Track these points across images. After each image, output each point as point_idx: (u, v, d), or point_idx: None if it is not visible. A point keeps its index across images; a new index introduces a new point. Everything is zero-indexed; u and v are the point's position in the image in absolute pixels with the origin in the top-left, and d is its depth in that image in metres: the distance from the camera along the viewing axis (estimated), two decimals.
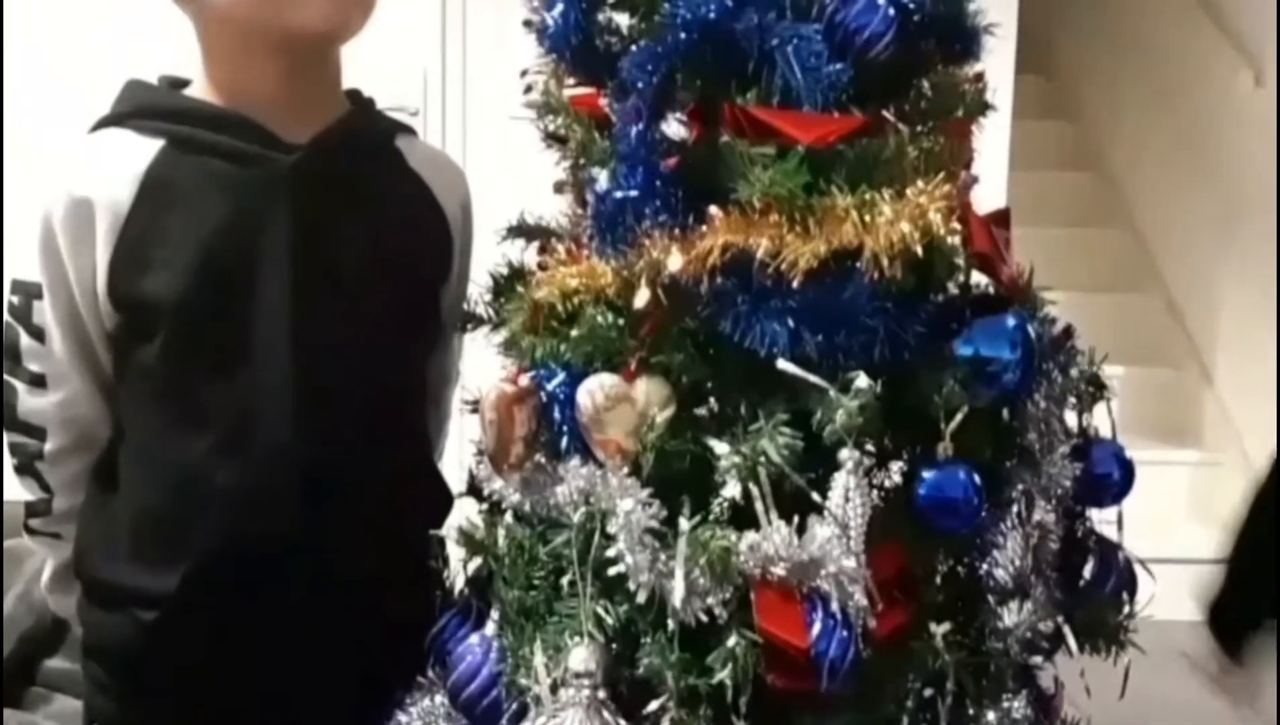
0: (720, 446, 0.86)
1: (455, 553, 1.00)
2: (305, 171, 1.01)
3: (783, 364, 0.84)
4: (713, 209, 0.86)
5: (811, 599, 0.82)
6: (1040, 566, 0.93)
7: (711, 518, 0.84)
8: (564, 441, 0.91)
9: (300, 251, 1.01)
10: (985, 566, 0.91)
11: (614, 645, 0.87)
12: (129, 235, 0.98)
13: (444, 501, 1.14)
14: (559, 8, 0.95)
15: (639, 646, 0.85)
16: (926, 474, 0.86)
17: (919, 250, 0.82)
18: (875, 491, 0.86)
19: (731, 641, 0.82)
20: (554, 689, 0.86)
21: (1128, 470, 0.99)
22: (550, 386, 0.92)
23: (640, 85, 0.89)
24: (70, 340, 1.03)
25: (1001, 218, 0.98)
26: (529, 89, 1.06)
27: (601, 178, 0.94)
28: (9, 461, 1.09)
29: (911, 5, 0.88)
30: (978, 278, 0.95)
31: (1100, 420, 1.03)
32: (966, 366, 0.87)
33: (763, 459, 0.83)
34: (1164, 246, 3.94)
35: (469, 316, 1.11)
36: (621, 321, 0.92)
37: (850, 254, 0.83)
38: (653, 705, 0.84)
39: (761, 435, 0.84)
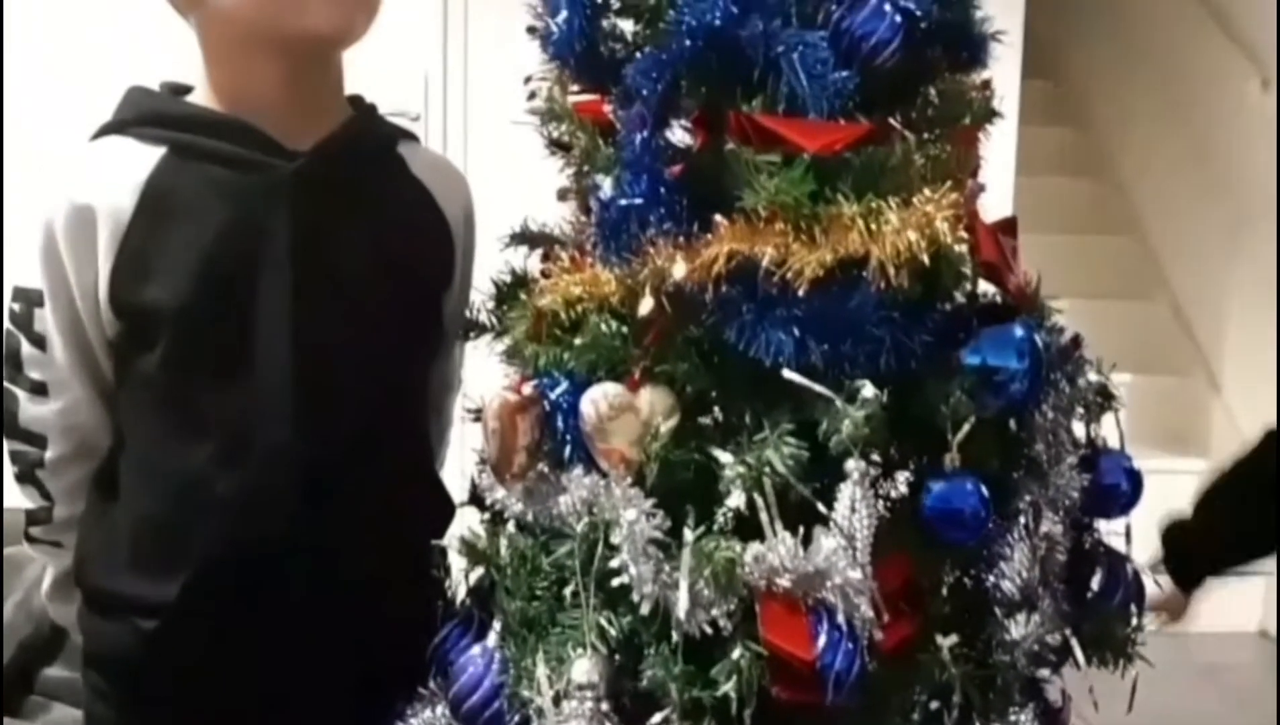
0: (725, 456, 0.85)
1: (457, 562, 1.00)
2: (307, 178, 1.01)
3: (788, 373, 0.84)
4: (718, 217, 0.85)
5: (817, 611, 0.81)
6: (1047, 578, 0.93)
7: (716, 528, 0.84)
8: (567, 451, 0.90)
9: (302, 258, 1.00)
10: (992, 578, 0.90)
11: (617, 657, 0.86)
12: (130, 243, 0.98)
13: (445, 510, 1.14)
14: (563, 14, 0.95)
15: (642, 658, 0.85)
16: (934, 485, 0.85)
17: (925, 259, 0.82)
18: (881, 502, 0.85)
19: (736, 653, 0.81)
20: (557, 701, 0.85)
21: (1136, 482, 0.99)
22: (553, 395, 0.91)
23: (645, 92, 0.89)
24: (71, 348, 1.03)
25: (1009, 226, 0.98)
26: (532, 95, 1.06)
27: (605, 185, 0.94)
28: (10, 469, 1.08)
29: (918, 12, 0.87)
30: (985, 287, 0.94)
31: (1108, 430, 1.02)
32: (973, 376, 0.87)
33: (768, 469, 0.82)
34: (1171, 253, 3.93)
35: (471, 324, 1.10)
36: (625, 330, 0.92)
37: (856, 263, 0.82)
38: (656, 718, 0.84)
39: (766, 445, 0.83)
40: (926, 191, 0.85)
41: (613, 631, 0.86)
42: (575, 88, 1.02)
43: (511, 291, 1.07)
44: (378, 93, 1.13)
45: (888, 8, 0.86)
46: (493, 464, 0.95)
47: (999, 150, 1.06)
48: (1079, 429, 0.98)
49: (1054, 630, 0.93)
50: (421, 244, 1.09)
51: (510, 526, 0.96)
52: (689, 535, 0.83)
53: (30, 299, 1.01)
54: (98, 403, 1.06)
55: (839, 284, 0.83)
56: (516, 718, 0.90)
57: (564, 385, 0.91)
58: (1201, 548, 1.46)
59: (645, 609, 0.83)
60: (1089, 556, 1.01)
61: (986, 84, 1.00)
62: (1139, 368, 3.37)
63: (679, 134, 0.89)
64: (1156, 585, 1.04)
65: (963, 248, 0.86)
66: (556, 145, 1.06)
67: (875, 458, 0.84)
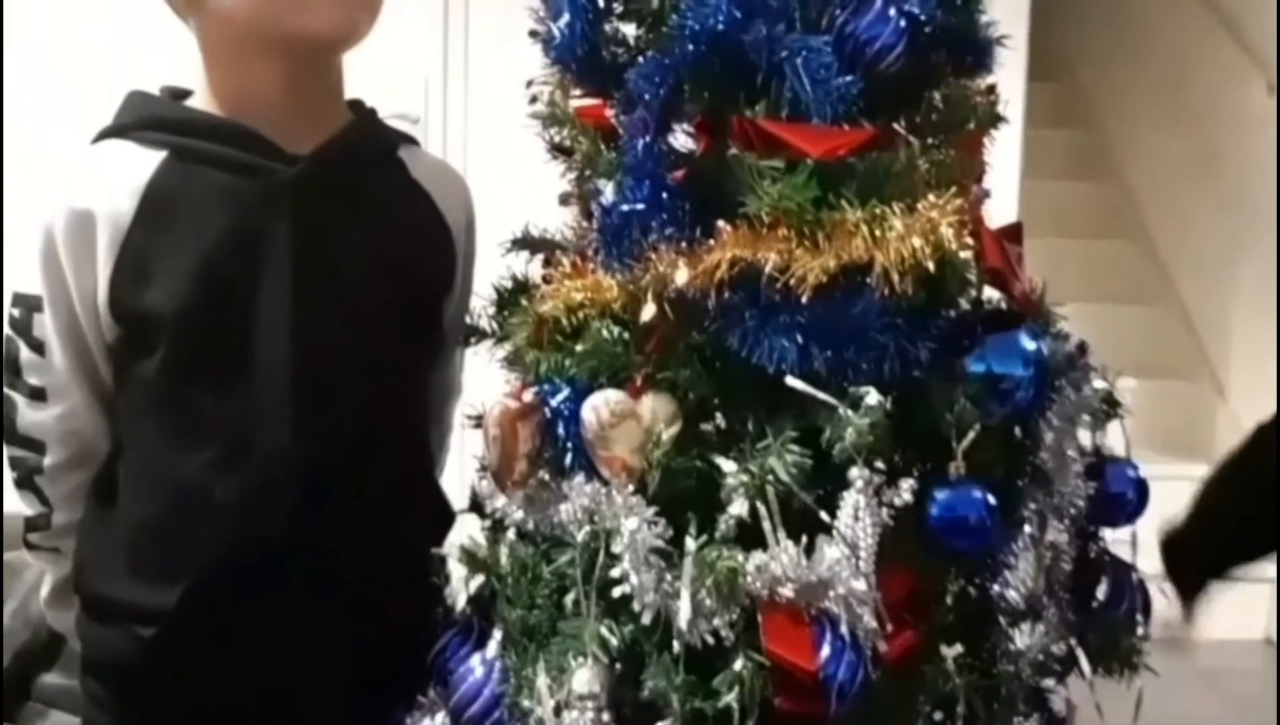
0: (727, 464, 0.84)
1: (457, 571, 0.99)
2: (307, 182, 1.00)
3: (791, 380, 0.83)
4: (720, 223, 0.85)
5: (820, 621, 0.81)
6: (1053, 587, 0.92)
7: (718, 537, 0.83)
8: (568, 458, 0.90)
9: (302, 263, 1.00)
10: (997, 587, 0.89)
11: (618, 666, 0.86)
12: (130, 247, 0.98)
13: (445, 517, 1.13)
14: (565, 18, 0.95)
15: (644, 668, 0.84)
16: (939, 494, 0.84)
17: (930, 265, 0.81)
18: (885, 510, 0.84)
19: (738, 664, 0.81)
20: (557, 711, 0.85)
21: (1142, 490, 0.98)
22: (554, 402, 0.91)
23: (647, 97, 0.88)
24: (71, 353, 1.02)
25: (1014, 232, 0.97)
26: (534, 99, 1.05)
27: (607, 190, 0.94)
28: (9, 475, 1.08)
29: (923, 17, 0.87)
30: (990, 293, 0.93)
31: (1114, 438, 1.01)
32: (978, 383, 0.86)
33: (770, 477, 0.82)
34: (1177, 258, 3.92)
35: (472, 330, 1.10)
36: (627, 336, 0.91)
37: (860, 269, 0.82)
38: None
39: (769, 453, 0.83)
40: (931, 197, 0.84)
41: (614, 641, 0.85)
42: (577, 92, 1.02)
43: (512, 297, 1.07)
44: (378, 95, 1.13)
45: (892, 12, 0.86)
46: (493, 471, 0.94)
47: (1004, 154, 1.05)
48: (1085, 437, 0.98)
49: (1059, 640, 0.93)
50: (422, 249, 1.09)
51: (511, 534, 0.96)
52: (691, 544, 0.82)
53: (29, 304, 1.01)
54: (97, 408, 1.05)
55: (842, 290, 0.82)
56: None
57: (565, 392, 0.91)
58: (1200, 552, 1.44)
59: (647, 618, 0.83)
60: (1094, 565, 1.00)
61: (991, 89, 1.00)
62: (1144, 373, 3.36)
63: (681, 139, 0.88)
64: (1162, 593, 1.03)
65: (967, 254, 0.86)
66: (558, 150, 1.06)
67: (879, 465, 0.83)
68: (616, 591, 0.84)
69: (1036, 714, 0.94)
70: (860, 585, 0.80)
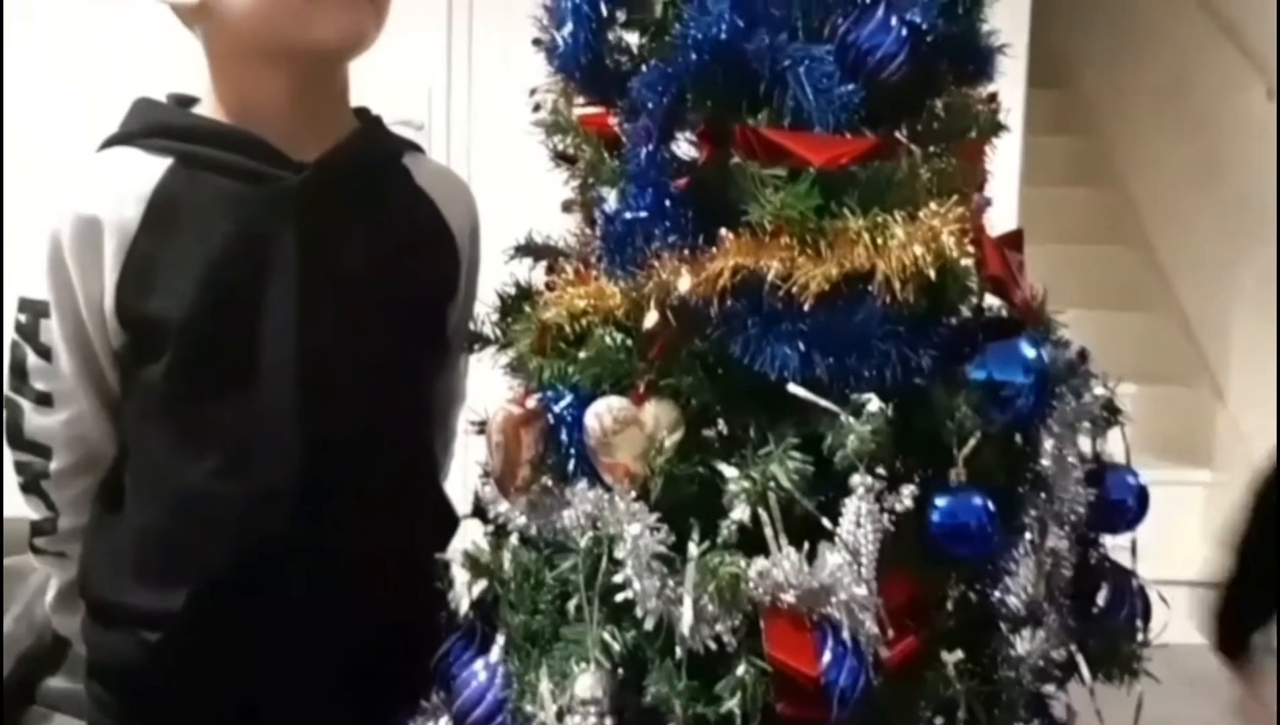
0: (729, 471, 0.85)
1: (460, 576, 0.99)
2: (313, 189, 1.01)
3: (793, 387, 0.83)
4: (723, 231, 0.85)
5: (822, 626, 0.81)
6: (1053, 593, 0.92)
7: (720, 542, 0.83)
8: (571, 464, 0.90)
9: (307, 269, 1.00)
10: (998, 593, 0.90)
11: (621, 672, 0.86)
12: (137, 254, 0.98)
13: (449, 522, 1.14)
14: (568, 27, 0.95)
15: (646, 674, 0.84)
16: (940, 500, 0.84)
17: (931, 273, 0.81)
18: (886, 516, 0.85)
19: (740, 669, 0.81)
20: (560, 716, 0.85)
21: (1142, 497, 0.98)
22: (558, 408, 0.91)
23: (650, 105, 0.88)
24: (77, 359, 1.02)
25: (1014, 239, 0.97)
26: (537, 107, 1.06)
27: (611, 198, 0.94)
28: (15, 480, 1.08)
29: (924, 26, 0.87)
30: (991, 300, 0.94)
31: (1114, 445, 1.02)
32: (979, 391, 0.86)
33: (772, 484, 0.82)
34: (1176, 264, 3.92)
35: (476, 336, 1.10)
36: (630, 343, 0.92)
37: (862, 277, 0.82)
38: None
39: (771, 459, 0.83)
40: (932, 205, 0.84)
41: (616, 646, 0.85)
42: (580, 100, 1.02)
43: (516, 304, 1.07)
44: (381, 102, 1.13)
45: (894, 21, 0.86)
46: (496, 477, 0.95)
47: (1004, 160, 1.05)
48: (1085, 443, 0.98)
49: (1059, 646, 0.93)
50: (426, 256, 1.09)
51: (514, 540, 0.96)
52: (693, 550, 0.83)
53: (36, 310, 1.01)
54: (103, 414, 1.06)
55: (844, 298, 0.82)
56: None
57: (568, 398, 0.91)
58: (1247, 612, 1.41)
59: (649, 624, 0.83)
60: (1095, 572, 1.00)
61: (993, 97, 1.00)
62: (1143, 378, 3.36)
63: (684, 147, 0.89)
64: (1163, 601, 1.03)
65: (969, 262, 0.86)
66: (561, 157, 1.06)
67: (880, 472, 0.84)
68: (619, 597, 0.84)
69: (1037, 720, 0.94)
70: (862, 591, 0.81)
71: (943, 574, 0.89)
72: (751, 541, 0.83)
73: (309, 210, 1.00)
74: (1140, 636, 1.01)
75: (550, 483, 0.93)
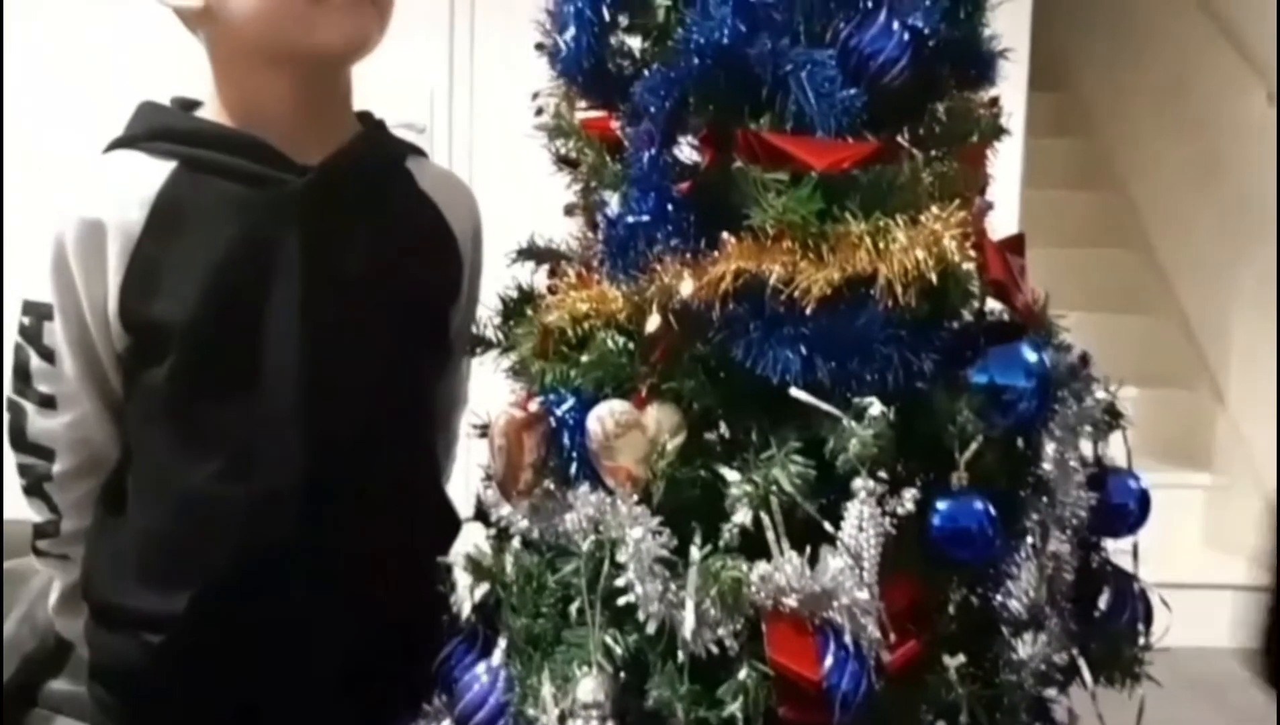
0: (732, 474, 0.85)
1: (462, 579, 1.00)
2: (316, 193, 1.01)
3: (795, 391, 0.83)
4: (725, 235, 0.85)
5: (824, 630, 0.81)
6: (1055, 597, 0.92)
7: (722, 546, 0.83)
8: (573, 468, 0.90)
9: (310, 273, 1.01)
10: (999, 597, 0.90)
11: (623, 676, 0.86)
12: (140, 257, 0.98)
13: (451, 525, 1.14)
14: (571, 31, 0.95)
15: (648, 677, 0.84)
16: (941, 504, 0.85)
17: (933, 277, 0.82)
18: (888, 519, 0.85)
19: (742, 673, 0.81)
20: (562, 720, 0.85)
21: (1144, 501, 0.98)
22: (560, 412, 0.91)
23: (653, 110, 0.89)
24: (81, 362, 1.03)
25: (1016, 243, 0.97)
26: (540, 111, 1.06)
27: (613, 202, 0.94)
28: (18, 482, 1.09)
29: (926, 30, 0.87)
30: (992, 304, 0.94)
31: (1116, 449, 1.02)
32: (981, 395, 0.86)
33: (774, 488, 0.82)
34: (1177, 266, 3.92)
35: (478, 340, 1.10)
36: (632, 347, 0.92)
37: (864, 281, 0.82)
38: None
39: (773, 463, 0.83)
40: (934, 209, 0.84)
41: (618, 650, 0.85)
42: (583, 104, 1.02)
43: (518, 307, 1.07)
44: (383, 105, 1.14)
45: (896, 26, 0.86)
46: (498, 480, 0.95)
47: (1005, 163, 1.06)
48: (1086, 447, 0.98)
49: (1061, 649, 0.93)
50: (429, 259, 1.10)
51: (516, 543, 0.96)
52: (695, 554, 0.83)
53: (40, 312, 1.02)
54: (106, 416, 1.06)
55: (846, 302, 0.82)
56: None
57: (570, 402, 0.91)
58: None
59: (651, 628, 0.83)
60: (1096, 576, 1.00)
61: (994, 101, 1.00)
62: (1144, 381, 3.36)
63: (687, 152, 0.89)
64: (1164, 604, 1.03)
65: (970, 266, 0.86)
66: (563, 161, 1.06)
67: (882, 476, 0.84)
68: (621, 601, 0.84)
69: (1039, 724, 0.94)
70: (863, 595, 0.81)
71: (944, 578, 0.89)
72: (753, 545, 0.83)
73: (312, 214, 1.01)
74: (1142, 640, 1.01)
75: (552, 486, 0.93)
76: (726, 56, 0.86)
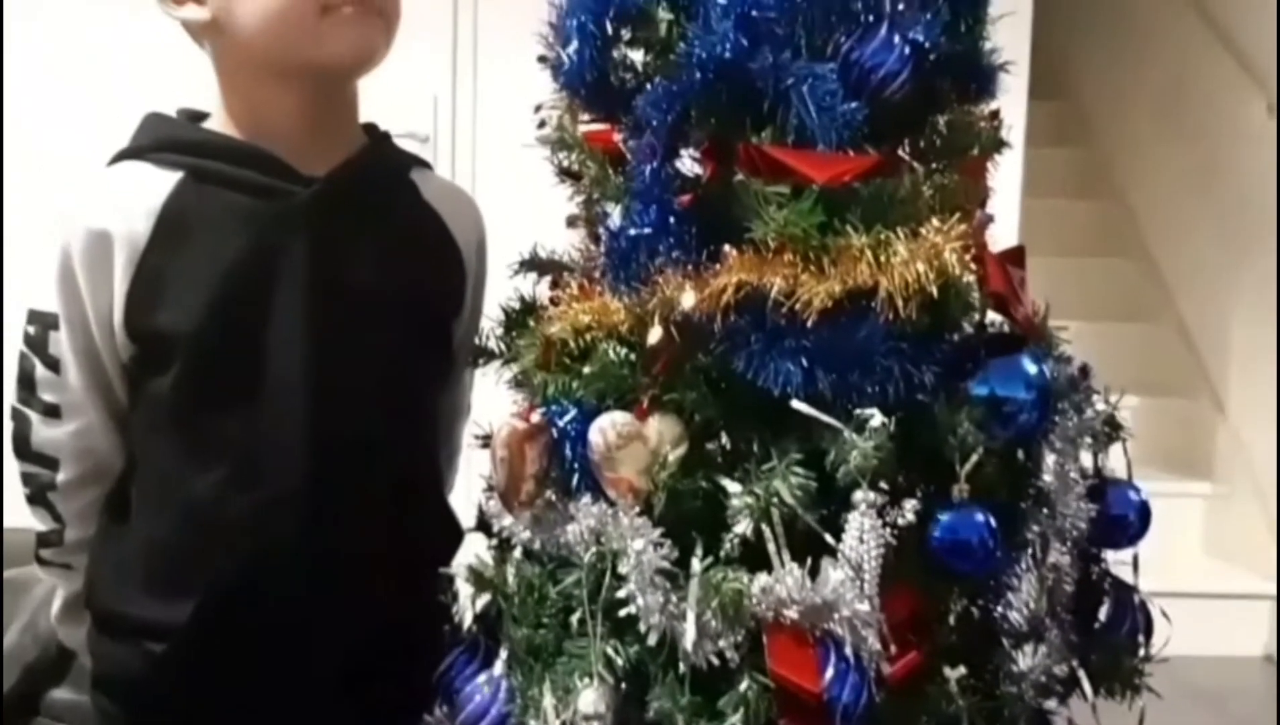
0: (733, 486, 0.85)
1: (464, 590, 1.00)
2: (322, 204, 1.01)
3: (796, 403, 0.84)
4: (727, 247, 0.86)
5: (824, 642, 0.81)
6: (1055, 609, 0.92)
7: (723, 557, 0.84)
8: (575, 479, 0.91)
9: (315, 284, 1.01)
10: (1000, 609, 0.90)
11: (624, 687, 0.86)
12: (146, 268, 0.98)
13: (454, 535, 1.14)
14: (574, 45, 0.95)
15: (649, 689, 0.85)
16: (942, 516, 0.85)
17: (934, 290, 0.82)
18: (888, 531, 0.85)
19: (743, 685, 0.82)
20: None
21: (1144, 512, 0.99)
22: (562, 423, 0.91)
23: (655, 123, 0.89)
24: (86, 371, 1.03)
25: (1016, 255, 0.98)
26: (543, 124, 1.06)
27: (615, 214, 0.95)
28: (22, 491, 1.09)
29: (927, 44, 0.88)
30: (993, 316, 0.94)
31: (1116, 459, 1.02)
32: (982, 407, 0.87)
33: (775, 499, 0.82)
34: (1176, 275, 3.92)
35: (481, 351, 1.11)
36: (634, 358, 0.92)
37: (865, 294, 0.82)
38: None
39: (774, 475, 0.83)
40: (935, 222, 0.85)
41: (620, 661, 0.86)
42: (585, 117, 1.03)
43: (521, 319, 1.07)
44: (387, 114, 1.14)
45: (896, 39, 0.87)
46: (500, 491, 0.95)
47: (1005, 172, 1.06)
48: (1087, 459, 0.98)
49: (1061, 661, 0.93)
50: (433, 270, 1.10)
51: (517, 554, 0.96)
52: (697, 565, 0.83)
53: (45, 322, 1.02)
54: (110, 425, 1.06)
55: (847, 315, 0.83)
56: None
57: (572, 413, 0.91)
58: None
59: (652, 639, 0.83)
60: (1096, 587, 1.00)
61: (995, 114, 1.01)
62: (1144, 390, 3.36)
63: (689, 165, 0.89)
64: (1164, 616, 1.03)
65: (971, 278, 0.87)
66: (566, 173, 1.07)
67: (883, 488, 0.84)
68: (622, 612, 0.84)
69: None
70: (864, 607, 0.81)
71: (945, 589, 0.89)
72: (754, 557, 0.83)
73: (317, 225, 1.01)
74: (1142, 651, 1.01)
75: (554, 497, 0.93)
76: (728, 70, 0.86)
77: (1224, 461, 3.52)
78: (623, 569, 0.84)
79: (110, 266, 0.98)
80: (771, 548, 0.82)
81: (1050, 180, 4.03)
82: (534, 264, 1.11)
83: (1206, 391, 3.65)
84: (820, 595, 0.81)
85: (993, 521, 0.85)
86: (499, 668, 0.94)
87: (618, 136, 0.98)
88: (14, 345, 1.04)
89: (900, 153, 0.92)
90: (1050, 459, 0.92)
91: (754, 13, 0.86)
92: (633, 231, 0.90)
